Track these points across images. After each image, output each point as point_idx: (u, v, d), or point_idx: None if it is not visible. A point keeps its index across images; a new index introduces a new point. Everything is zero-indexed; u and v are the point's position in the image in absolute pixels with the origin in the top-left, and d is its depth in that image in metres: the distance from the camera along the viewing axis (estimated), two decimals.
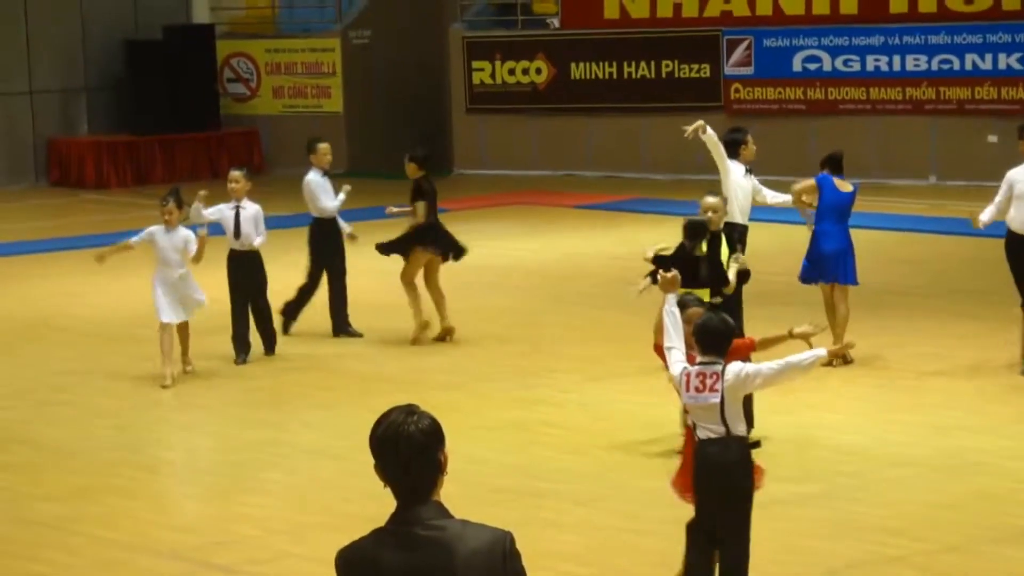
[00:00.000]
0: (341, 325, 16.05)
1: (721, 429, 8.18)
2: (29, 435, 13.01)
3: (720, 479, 8.17)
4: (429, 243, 15.48)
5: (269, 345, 15.22)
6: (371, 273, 17.81)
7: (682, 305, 8.65)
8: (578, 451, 11.86)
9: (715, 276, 11.70)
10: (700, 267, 11.56)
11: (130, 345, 14.44)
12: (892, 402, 13.10)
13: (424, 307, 15.60)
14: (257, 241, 14.92)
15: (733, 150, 14.18)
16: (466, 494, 9.71)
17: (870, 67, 26.71)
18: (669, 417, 11.96)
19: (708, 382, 8.17)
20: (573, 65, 29.11)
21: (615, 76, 28.78)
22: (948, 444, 11.88)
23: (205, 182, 30.18)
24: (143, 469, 12.07)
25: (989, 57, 25.82)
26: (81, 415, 13.45)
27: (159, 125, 30.32)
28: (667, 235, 12.97)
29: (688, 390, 8.22)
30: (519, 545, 4.61)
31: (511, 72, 29.71)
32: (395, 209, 15.96)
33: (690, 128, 13.92)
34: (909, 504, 10.55)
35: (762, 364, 8.33)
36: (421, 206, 15.36)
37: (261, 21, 32.92)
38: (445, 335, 15.63)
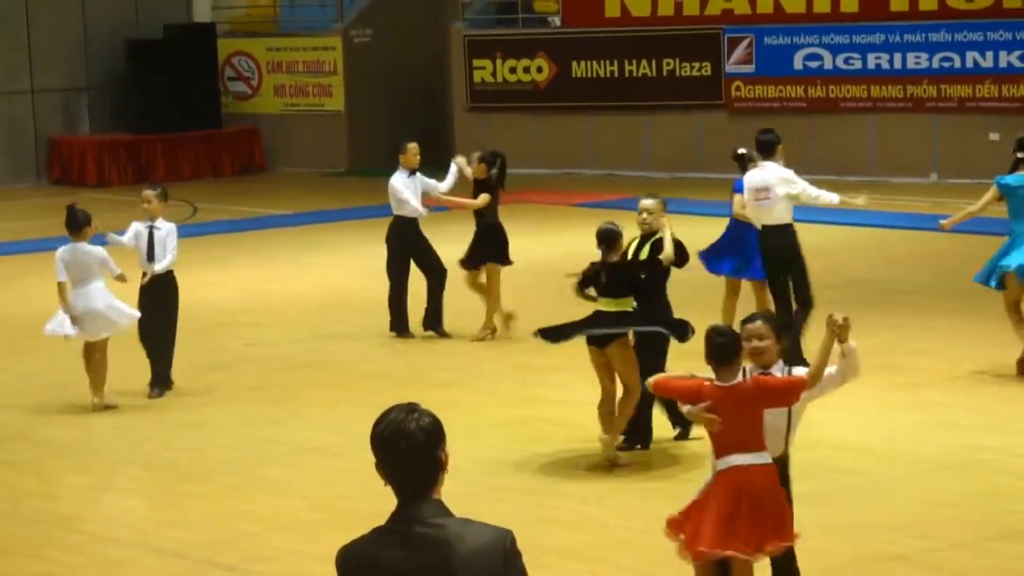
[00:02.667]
0: (432, 323, 15.82)
1: None
2: (32, 433, 13.01)
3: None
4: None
5: (160, 381, 13.91)
6: (368, 271, 17.82)
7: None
8: (580, 448, 11.86)
9: (617, 282, 11.60)
10: (600, 274, 11.60)
11: (132, 342, 14.42)
12: (895, 399, 13.08)
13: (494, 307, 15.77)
14: (159, 265, 13.63)
15: (771, 150, 14.17)
16: (467, 492, 9.71)
17: (871, 65, 26.70)
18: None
19: None
20: (574, 63, 29.10)
21: (616, 74, 28.77)
22: (952, 441, 11.87)
23: (207, 181, 30.36)
24: (146, 467, 12.07)
25: (990, 55, 25.81)
26: (84, 413, 13.45)
27: (160, 124, 30.33)
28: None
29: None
30: (520, 543, 4.60)
31: (512, 70, 29.71)
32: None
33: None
34: (913, 502, 10.54)
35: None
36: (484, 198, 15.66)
37: (262, 20, 32.93)
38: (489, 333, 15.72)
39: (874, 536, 9.78)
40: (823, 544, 9.05)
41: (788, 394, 7.92)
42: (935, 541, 9.75)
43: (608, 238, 11.68)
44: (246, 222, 24.90)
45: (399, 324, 15.89)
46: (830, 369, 8.07)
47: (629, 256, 11.91)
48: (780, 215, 13.95)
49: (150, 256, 13.74)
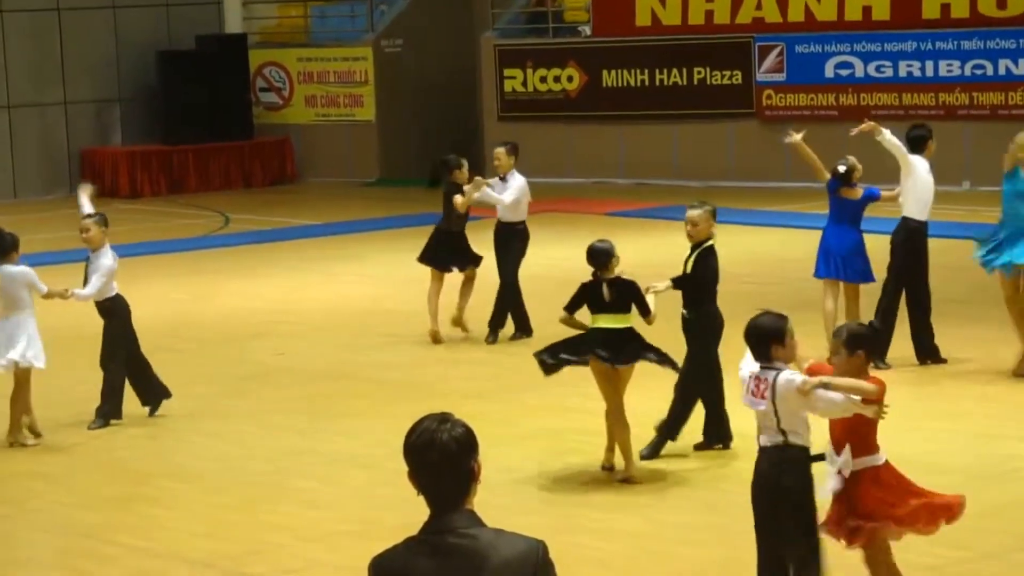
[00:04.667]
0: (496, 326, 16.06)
1: (779, 439, 8.00)
2: (63, 444, 13.04)
3: (771, 488, 8.03)
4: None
5: (102, 412, 13.36)
6: (399, 281, 17.83)
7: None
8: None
9: (621, 297, 11.52)
10: (603, 291, 11.53)
11: (160, 354, 14.46)
12: (929, 409, 13.03)
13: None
14: (81, 294, 13.30)
15: (920, 146, 14.44)
16: (498, 502, 9.70)
17: (903, 73, 26.61)
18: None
19: (760, 388, 7.98)
20: (605, 72, 29.08)
21: (647, 83, 28.74)
22: (986, 451, 11.81)
23: (238, 191, 30.43)
24: (176, 478, 12.08)
25: (1023, 62, 25.70)
26: (113, 424, 13.46)
27: (192, 134, 30.42)
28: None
29: (746, 393, 8.07)
30: (552, 553, 4.58)
31: (543, 80, 29.71)
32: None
33: (859, 129, 14.58)
34: None
35: (828, 392, 7.97)
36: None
37: (293, 30, 33.00)
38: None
39: (907, 546, 9.71)
40: (856, 554, 8.98)
41: None
42: (968, 552, 9.70)
43: (598, 257, 11.61)
44: (277, 232, 24.93)
45: (520, 327, 16.03)
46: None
47: (688, 267, 11.90)
48: None
49: (85, 283, 13.51)
